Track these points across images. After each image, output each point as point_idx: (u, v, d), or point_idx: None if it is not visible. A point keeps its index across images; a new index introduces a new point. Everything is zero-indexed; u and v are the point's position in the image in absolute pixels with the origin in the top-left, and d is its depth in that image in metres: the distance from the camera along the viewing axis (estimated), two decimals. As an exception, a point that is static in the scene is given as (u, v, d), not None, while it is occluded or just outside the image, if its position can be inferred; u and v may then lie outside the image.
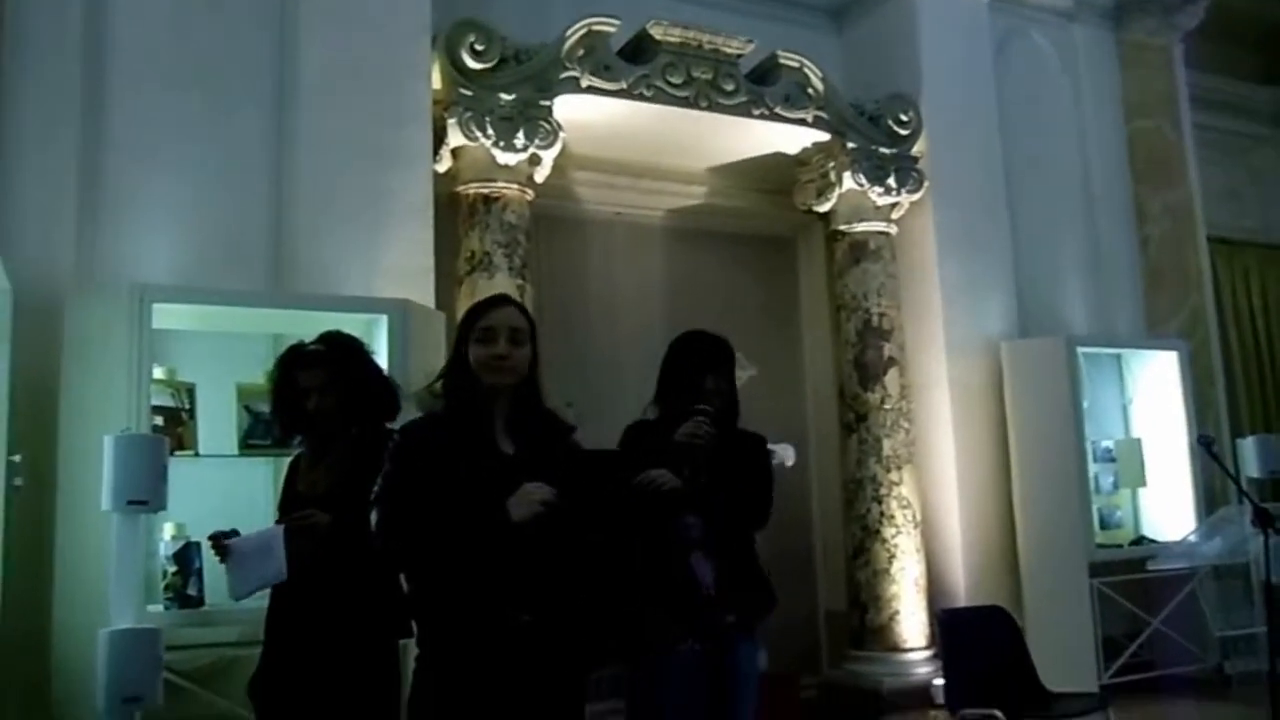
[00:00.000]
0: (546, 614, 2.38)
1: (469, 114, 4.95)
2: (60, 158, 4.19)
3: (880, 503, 5.88)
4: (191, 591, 3.83)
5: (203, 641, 3.85)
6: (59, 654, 3.75)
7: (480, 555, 2.34)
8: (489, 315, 2.55)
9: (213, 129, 4.46)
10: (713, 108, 5.54)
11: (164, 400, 3.97)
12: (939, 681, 5.48)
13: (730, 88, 5.57)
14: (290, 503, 3.12)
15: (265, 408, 3.70)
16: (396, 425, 2.92)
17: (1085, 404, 6.04)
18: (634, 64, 5.39)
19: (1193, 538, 5.73)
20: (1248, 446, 6.28)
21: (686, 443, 2.95)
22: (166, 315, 3.93)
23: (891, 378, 5.99)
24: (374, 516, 2.43)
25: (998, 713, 4.00)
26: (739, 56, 5.63)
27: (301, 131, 4.60)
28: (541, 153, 5.10)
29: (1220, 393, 7.10)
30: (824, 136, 5.93)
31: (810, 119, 5.84)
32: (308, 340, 3.22)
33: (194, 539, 3.81)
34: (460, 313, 2.81)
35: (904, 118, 6.15)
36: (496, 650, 2.34)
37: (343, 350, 3.16)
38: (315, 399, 3.06)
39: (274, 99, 4.62)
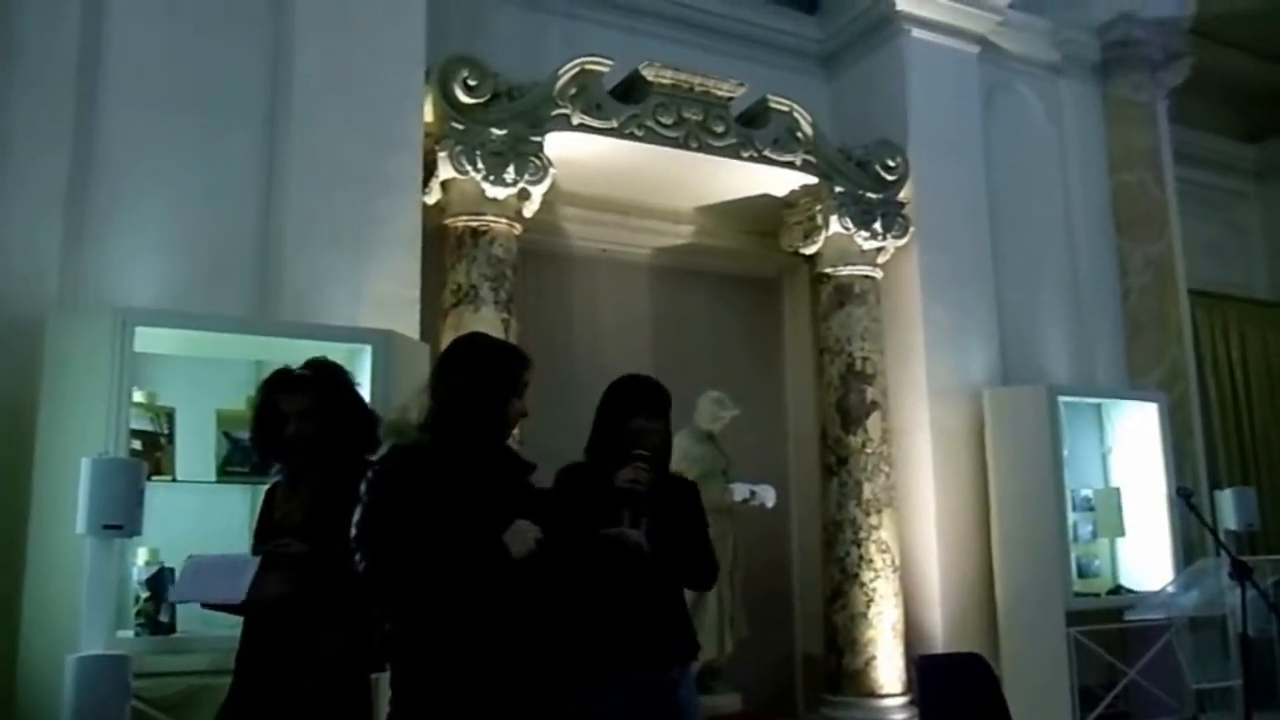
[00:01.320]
0: (529, 648, 2.38)
1: (460, 147, 4.97)
2: (48, 177, 4.18)
3: (859, 546, 5.87)
4: (163, 618, 3.79)
5: (173, 669, 3.78)
6: (25, 678, 3.68)
7: (480, 592, 2.35)
8: (529, 372, 2.71)
9: (201, 151, 4.47)
10: (702, 149, 5.58)
11: (143, 424, 3.94)
12: (914, 728, 5.46)
13: (720, 129, 5.62)
14: (267, 531, 3.08)
15: (245, 434, 3.65)
16: (374, 458, 2.91)
17: (1065, 453, 6.06)
18: (625, 104, 5.43)
19: (1170, 589, 5.74)
20: (1226, 499, 6.32)
21: (628, 489, 2.96)
22: (148, 339, 3.90)
23: (873, 421, 6.00)
24: (358, 555, 2.42)
25: (973, 761, 3.99)
26: (730, 99, 5.68)
27: (291, 156, 4.59)
28: (531, 188, 5.12)
29: (1199, 445, 7.13)
30: (812, 180, 5.97)
31: (798, 162, 5.88)
32: (293, 366, 3.20)
33: (168, 565, 3.77)
34: (445, 346, 2.82)
35: (891, 163, 6.20)
36: (477, 686, 2.32)
37: (328, 377, 3.14)
38: (294, 424, 3.03)
39: (264, 122, 4.62)
